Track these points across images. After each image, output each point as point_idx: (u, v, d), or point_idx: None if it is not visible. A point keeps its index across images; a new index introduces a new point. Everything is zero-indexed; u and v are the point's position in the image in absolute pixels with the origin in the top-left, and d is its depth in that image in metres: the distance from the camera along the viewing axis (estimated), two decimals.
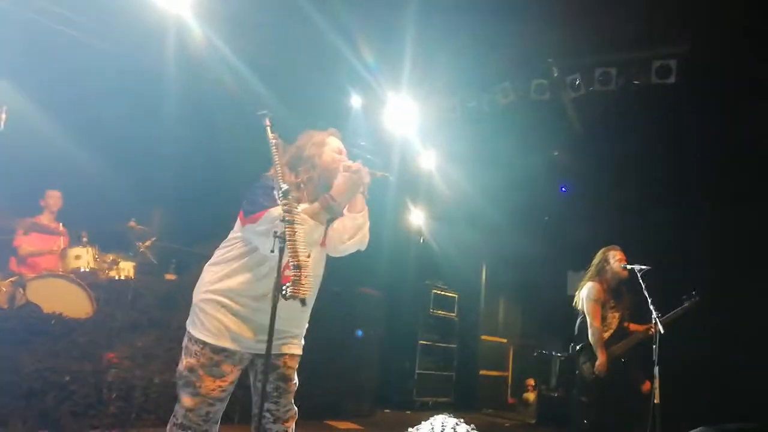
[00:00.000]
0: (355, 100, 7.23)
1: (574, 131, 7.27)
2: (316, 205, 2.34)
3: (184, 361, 2.29)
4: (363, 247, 2.52)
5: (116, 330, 4.36)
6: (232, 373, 2.32)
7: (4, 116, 4.45)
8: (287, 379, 2.43)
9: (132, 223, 4.99)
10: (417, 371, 7.18)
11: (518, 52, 6.48)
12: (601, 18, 5.80)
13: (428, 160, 7.91)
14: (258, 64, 5.98)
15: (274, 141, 2.56)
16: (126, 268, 5.07)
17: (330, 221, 2.45)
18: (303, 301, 2.24)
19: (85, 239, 4.94)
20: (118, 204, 5.35)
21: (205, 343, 2.29)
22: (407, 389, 7.12)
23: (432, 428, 2.74)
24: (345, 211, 2.43)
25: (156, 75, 5.34)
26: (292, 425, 2.47)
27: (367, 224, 2.50)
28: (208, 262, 2.49)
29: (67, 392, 3.86)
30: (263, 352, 2.20)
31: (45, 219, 5.13)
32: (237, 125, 5.64)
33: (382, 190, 7.57)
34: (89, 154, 5.32)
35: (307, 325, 2.56)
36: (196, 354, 2.28)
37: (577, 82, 6.43)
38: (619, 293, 4.39)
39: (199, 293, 2.39)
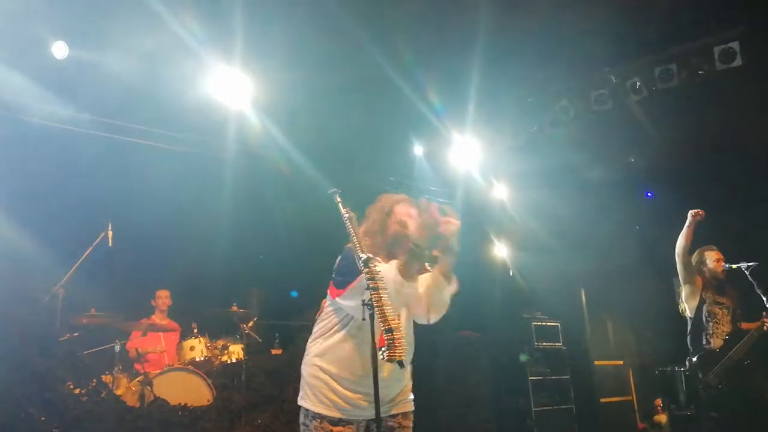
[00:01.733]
0: (418, 149, 7.41)
1: (645, 134, 7.05)
2: (403, 258, 2.35)
3: None
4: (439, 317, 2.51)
5: (236, 411, 4.60)
6: None
7: (111, 233, 4.97)
8: None
9: (234, 308, 5.36)
10: (534, 409, 6.94)
11: (571, 67, 6.46)
12: (649, 14, 5.71)
13: (499, 192, 7.89)
14: (323, 135, 6.28)
15: (347, 215, 2.72)
16: (236, 351, 5.38)
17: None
18: (401, 363, 2.33)
19: (195, 330, 5.33)
20: (217, 293, 5.75)
21: (322, 417, 2.36)
22: (527, 429, 6.88)
23: None
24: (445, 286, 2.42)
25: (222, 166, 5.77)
26: None
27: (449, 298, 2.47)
28: (310, 338, 2.60)
29: None
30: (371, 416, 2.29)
31: (157, 318, 5.60)
32: (311, 202, 5.92)
33: (460, 231, 7.60)
34: (181, 250, 5.76)
35: (410, 382, 2.59)
36: (315, 429, 2.35)
37: (638, 85, 6.28)
38: (722, 291, 4.15)
39: (307, 368, 2.49)
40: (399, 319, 2.44)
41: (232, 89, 5.32)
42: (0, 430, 3.67)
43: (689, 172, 7.11)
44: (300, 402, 2.45)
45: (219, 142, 5.80)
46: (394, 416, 2.49)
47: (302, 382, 2.50)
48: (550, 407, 7.13)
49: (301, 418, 2.43)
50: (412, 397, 2.59)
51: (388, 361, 2.34)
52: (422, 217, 2.35)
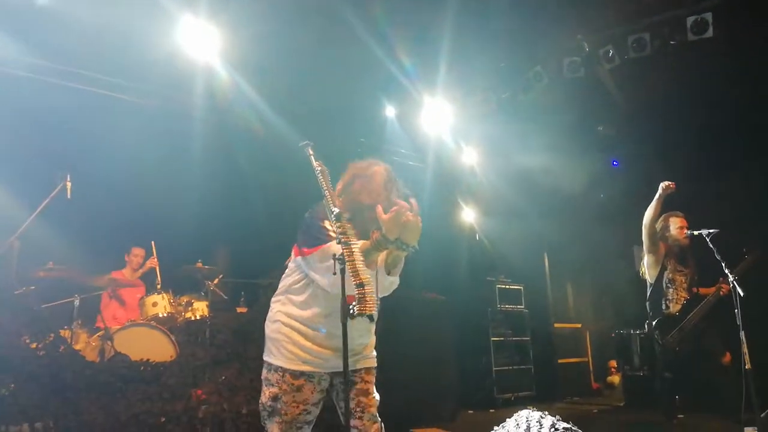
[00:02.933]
0: (390, 110, 7.32)
1: (615, 103, 7.13)
2: (366, 243, 2.34)
3: (267, 392, 2.40)
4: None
5: (200, 368, 4.57)
6: (314, 395, 2.42)
7: (69, 185, 4.78)
8: (367, 393, 2.51)
9: (199, 264, 5.26)
10: (494, 368, 7.13)
11: (545, 35, 6.43)
12: None
13: (469, 157, 7.91)
14: (294, 92, 6.14)
15: (319, 169, 2.67)
16: (200, 308, 5.32)
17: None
18: (371, 317, 2.33)
19: (159, 286, 5.24)
20: (182, 249, 5.63)
21: (284, 370, 2.39)
22: (487, 387, 7.08)
23: (517, 424, 2.75)
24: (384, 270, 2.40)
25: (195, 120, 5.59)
26: None
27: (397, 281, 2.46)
28: (274, 294, 2.61)
29: None
30: (339, 370, 2.30)
31: (127, 273, 5.49)
32: (281, 159, 5.81)
33: (429, 192, 7.66)
34: (146, 205, 5.61)
35: (374, 338, 2.61)
36: (277, 382, 2.39)
37: (610, 53, 6.30)
38: (683, 259, 4.29)
39: (270, 324, 2.51)
40: (369, 277, 2.43)
41: (199, 41, 5.11)
42: None
43: (656, 142, 7.23)
44: (264, 357, 2.47)
45: (187, 96, 5.60)
46: (357, 371, 2.52)
47: (266, 339, 2.50)
48: (511, 366, 7.34)
49: (264, 373, 2.45)
50: (374, 353, 2.61)
51: (358, 315, 2.33)
52: (396, 215, 2.26)
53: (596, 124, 7.43)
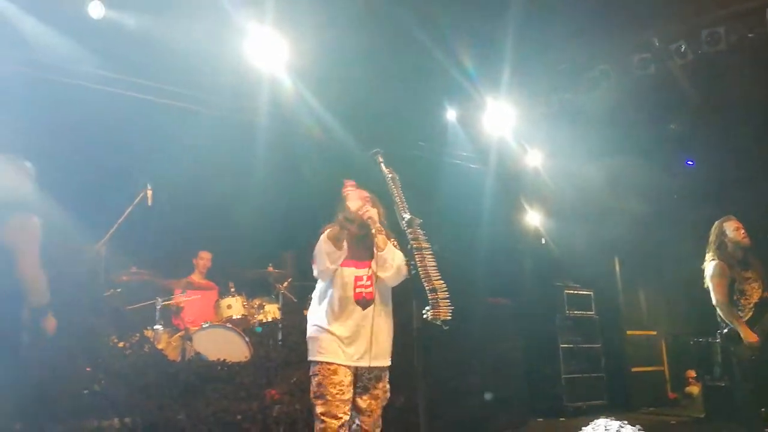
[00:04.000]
0: (451, 114, 7.30)
1: (688, 100, 6.83)
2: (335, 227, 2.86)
3: (313, 382, 2.87)
4: (399, 278, 2.93)
5: (273, 369, 4.72)
6: (347, 378, 2.82)
7: (150, 193, 5.06)
8: (377, 397, 2.91)
9: (270, 269, 5.45)
10: (563, 376, 6.97)
11: (612, 32, 6.25)
12: None
13: (534, 159, 7.78)
14: (356, 98, 6.24)
15: (390, 175, 2.74)
16: (271, 311, 5.50)
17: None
18: (444, 323, 2.38)
19: (232, 289, 5.46)
20: (253, 253, 5.84)
21: (321, 363, 2.85)
22: (556, 396, 6.92)
23: None
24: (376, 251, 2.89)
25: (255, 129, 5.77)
26: None
27: (395, 261, 2.88)
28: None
29: (240, 429, 4.25)
30: (359, 366, 2.85)
31: (196, 277, 5.73)
32: (343, 166, 5.90)
33: (491, 195, 7.58)
34: (218, 212, 5.84)
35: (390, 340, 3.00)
36: (317, 373, 2.85)
37: (682, 49, 6.05)
38: (746, 263, 4.08)
39: (308, 329, 3.01)
40: (443, 282, 2.49)
41: (266, 51, 5.29)
42: (50, 379, 3.81)
43: (732, 140, 6.87)
44: (308, 358, 2.95)
45: (253, 105, 5.80)
46: (373, 368, 2.90)
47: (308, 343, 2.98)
48: (581, 374, 7.14)
49: (310, 371, 2.91)
50: (389, 354, 2.97)
51: (431, 320, 2.39)
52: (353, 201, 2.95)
53: (668, 123, 7.13)
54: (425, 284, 2.44)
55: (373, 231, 2.88)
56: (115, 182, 5.26)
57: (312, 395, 2.86)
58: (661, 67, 6.28)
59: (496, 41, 5.99)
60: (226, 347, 4.81)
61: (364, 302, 2.90)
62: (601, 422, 2.87)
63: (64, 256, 3.93)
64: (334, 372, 2.81)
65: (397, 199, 2.65)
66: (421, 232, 2.54)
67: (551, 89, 6.89)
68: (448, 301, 2.40)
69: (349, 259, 2.94)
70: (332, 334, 2.87)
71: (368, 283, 2.91)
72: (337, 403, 2.77)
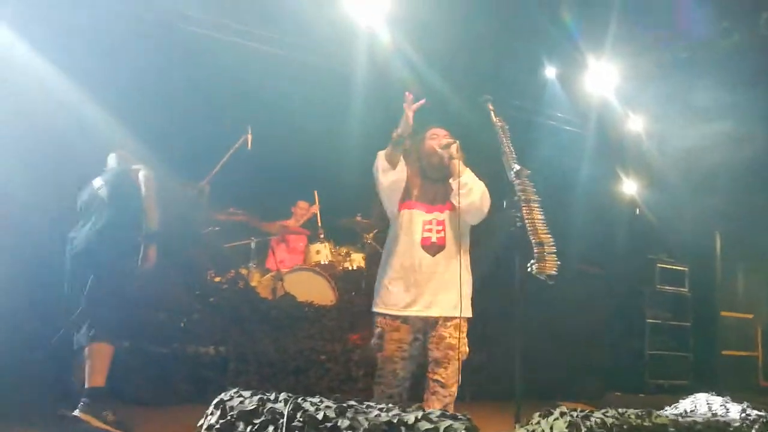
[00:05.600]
0: (550, 71, 6.95)
1: None
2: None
3: (375, 333, 2.80)
4: (483, 210, 2.72)
5: (356, 314, 4.84)
6: (408, 335, 2.71)
7: (250, 137, 5.21)
8: (451, 347, 2.71)
9: (358, 218, 5.53)
10: (648, 352, 6.71)
11: None
12: None
13: (637, 124, 7.32)
14: (452, 55, 6.08)
15: (499, 124, 2.65)
16: (357, 259, 5.62)
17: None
18: (550, 277, 2.31)
19: (322, 236, 5.60)
20: (343, 203, 5.92)
21: (383, 315, 2.76)
22: (638, 371, 6.68)
23: (695, 407, 2.58)
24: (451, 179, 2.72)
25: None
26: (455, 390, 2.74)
27: (475, 188, 2.68)
28: None
29: (323, 370, 4.43)
30: (426, 317, 2.70)
31: (292, 222, 5.92)
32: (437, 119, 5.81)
33: (587, 160, 7.23)
34: (312, 161, 5.93)
35: (468, 291, 2.78)
36: (378, 326, 2.78)
37: None
38: None
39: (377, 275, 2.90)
40: (550, 236, 2.41)
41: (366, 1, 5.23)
42: (148, 306, 4.08)
43: None
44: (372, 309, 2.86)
45: (351, 55, 5.75)
46: (446, 319, 2.72)
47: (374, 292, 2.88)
48: (667, 352, 6.85)
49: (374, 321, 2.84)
50: (463, 305, 2.72)
51: (536, 274, 2.33)
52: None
53: None
54: (531, 237, 2.37)
55: (448, 158, 2.72)
56: (219, 126, 5.42)
57: (373, 346, 2.79)
58: None
59: None
60: (313, 290, 4.97)
61: (433, 248, 2.70)
62: (702, 396, 2.75)
63: (170, 191, 4.15)
64: (396, 329, 2.70)
65: (506, 149, 2.57)
66: (530, 184, 2.46)
67: (663, 47, 6.39)
68: (554, 255, 2.32)
69: (419, 201, 2.78)
70: (398, 284, 2.72)
71: (439, 227, 2.72)
72: (396, 359, 2.68)
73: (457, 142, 2.73)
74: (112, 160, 3.54)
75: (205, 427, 1.77)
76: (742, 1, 5.86)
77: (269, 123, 5.48)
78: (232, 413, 1.73)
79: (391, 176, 2.72)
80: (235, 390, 1.81)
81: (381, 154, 2.77)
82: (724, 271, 7.51)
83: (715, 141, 6.67)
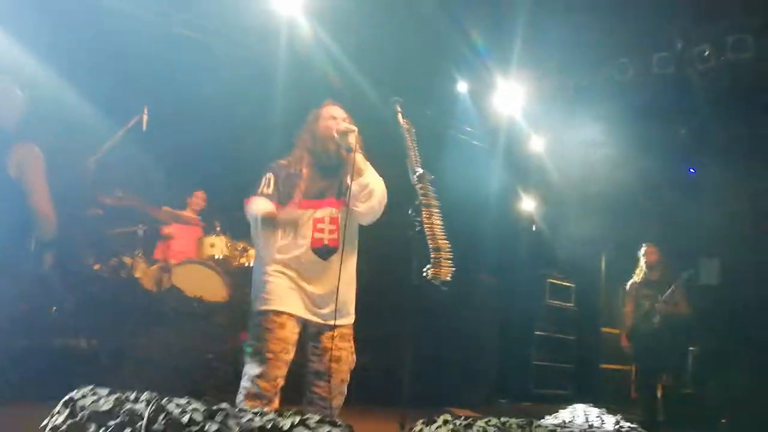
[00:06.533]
0: (462, 86, 7.13)
1: (700, 107, 6.73)
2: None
3: (251, 335, 2.51)
4: (378, 211, 2.51)
5: (249, 312, 4.63)
6: (293, 334, 2.41)
7: (145, 118, 4.86)
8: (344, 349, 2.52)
9: None
10: (534, 362, 7.01)
11: (636, 27, 6.11)
12: None
13: (538, 144, 7.67)
14: (369, 56, 6.06)
15: (406, 126, 2.60)
16: (254, 255, 5.37)
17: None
18: (444, 284, 2.29)
19: (218, 228, 5.32)
20: (243, 195, 5.66)
21: (266, 312, 2.43)
22: (524, 380, 6.98)
23: (573, 417, 2.66)
24: (348, 178, 2.45)
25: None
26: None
27: (376, 189, 2.46)
28: None
29: (210, 369, 4.19)
30: (316, 321, 2.45)
31: (187, 212, 5.58)
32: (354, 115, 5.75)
33: (490, 176, 7.48)
34: (215, 150, 5.66)
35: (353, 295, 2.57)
36: (260, 324, 2.44)
37: (706, 53, 5.94)
38: None
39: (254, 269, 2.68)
40: (447, 241, 2.40)
41: None
42: (19, 295, 3.68)
43: (738, 153, 6.81)
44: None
45: (267, 45, 5.59)
46: (338, 326, 2.48)
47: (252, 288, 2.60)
48: (552, 363, 7.20)
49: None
50: (347, 313, 2.55)
51: (431, 279, 2.30)
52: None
53: (679, 127, 7.05)
54: (429, 242, 2.33)
55: (345, 149, 2.46)
56: (115, 101, 5.02)
57: (248, 350, 2.45)
58: (681, 69, 6.18)
59: (512, 18, 5.84)
60: (204, 285, 4.69)
61: (325, 250, 2.43)
62: (580, 407, 2.84)
63: (54, 166, 3.76)
64: (282, 325, 2.36)
65: (411, 153, 2.52)
66: (432, 189, 2.42)
67: (568, 74, 6.76)
68: (450, 261, 2.30)
69: (308, 198, 2.48)
70: (283, 276, 2.42)
71: (332, 227, 2.45)
72: (279, 363, 2.33)
73: (356, 130, 2.46)
74: None
75: (49, 427, 1.55)
76: (639, 40, 6.30)
77: (176, 108, 5.17)
78: (83, 413, 1.53)
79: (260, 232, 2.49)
80: (89, 387, 1.61)
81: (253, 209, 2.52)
82: (607, 289, 8.03)
83: (605, 165, 7.13)
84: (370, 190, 2.43)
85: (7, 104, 2.97)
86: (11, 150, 2.82)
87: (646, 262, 5.63)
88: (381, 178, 2.51)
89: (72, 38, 4.60)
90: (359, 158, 2.44)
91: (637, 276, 5.67)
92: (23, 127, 3.03)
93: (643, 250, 5.73)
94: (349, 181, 2.43)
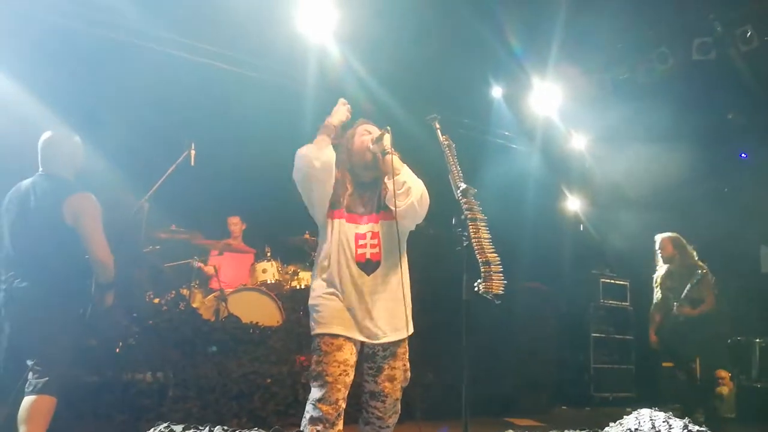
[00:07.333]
0: (497, 90, 7.09)
1: (749, 90, 6.49)
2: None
3: (313, 360, 2.42)
4: (421, 211, 2.49)
5: (303, 335, 4.70)
6: (352, 356, 2.39)
7: (193, 153, 5.03)
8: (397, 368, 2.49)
9: (306, 236, 5.42)
10: (593, 365, 6.84)
11: (674, 13, 5.96)
12: None
13: (579, 143, 7.55)
14: (403, 70, 6.11)
15: (446, 143, 2.63)
16: (305, 278, 5.49)
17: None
18: (497, 297, 2.28)
19: (269, 254, 5.45)
20: (291, 220, 5.79)
21: (322, 336, 2.41)
22: (584, 384, 6.81)
23: (639, 423, 2.60)
24: (386, 178, 2.48)
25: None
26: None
27: (414, 186, 2.45)
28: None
29: (270, 393, 4.27)
30: (368, 342, 2.42)
31: (233, 240, 5.74)
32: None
33: (533, 177, 7.38)
34: (259, 177, 5.81)
35: (409, 310, 2.52)
36: (318, 348, 2.40)
37: (748, 34, 5.74)
38: None
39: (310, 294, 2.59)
40: (496, 255, 2.39)
41: (316, 19, 5.22)
42: (86, 329, 3.85)
43: None
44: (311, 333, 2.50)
45: (300, 73, 5.73)
46: (388, 344, 2.47)
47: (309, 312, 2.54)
48: (611, 365, 7.01)
49: (312, 346, 2.47)
50: (407, 329, 2.52)
51: (483, 293, 2.30)
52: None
53: (726, 112, 6.81)
54: (478, 256, 2.33)
55: (381, 153, 2.47)
56: (161, 141, 5.24)
57: (310, 375, 2.39)
58: (723, 53, 5.98)
59: (549, 16, 5.78)
60: (259, 311, 4.81)
61: (369, 265, 2.43)
62: (645, 412, 2.78)
63: (108, 209, 3.94)
64: (339, 347, 2.36)
65: (453, 168, 2.53)
66: (476, 203, 2.43)
67: (604, 69, 6.64)
68: (501, 274, 2.30)
69: (350, 212, 2.49)
70: (335, 299, 2.41)
71: (374, 241, 2.45)
72: (338, 386, 2.31)
73: (389, 128, 2.49)
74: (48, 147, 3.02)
75: None
76: (677, 28, 6.15)
77: (216, 139, 5.35)
78: None
79: (322, 157, 2.42)
80: (165, 424, 1.69)
81: (303, 148, 2.51)
82: None
83: (652, 160, 6.93)
84: (408, 187, 2.43)
85: (66, 152, 3.07)
86: (67, 200, 2.92)
87: (662, 257, 5.25)
88: (419, 179, 2.51)
89: (111, 83, 4.81)
90: (395, 159, 2.47)
91: (660, 269, 5.30)
92: (80, 173, 3.18)
93: (657, 243, 5.35)
94: (386, 180, 2.46)
